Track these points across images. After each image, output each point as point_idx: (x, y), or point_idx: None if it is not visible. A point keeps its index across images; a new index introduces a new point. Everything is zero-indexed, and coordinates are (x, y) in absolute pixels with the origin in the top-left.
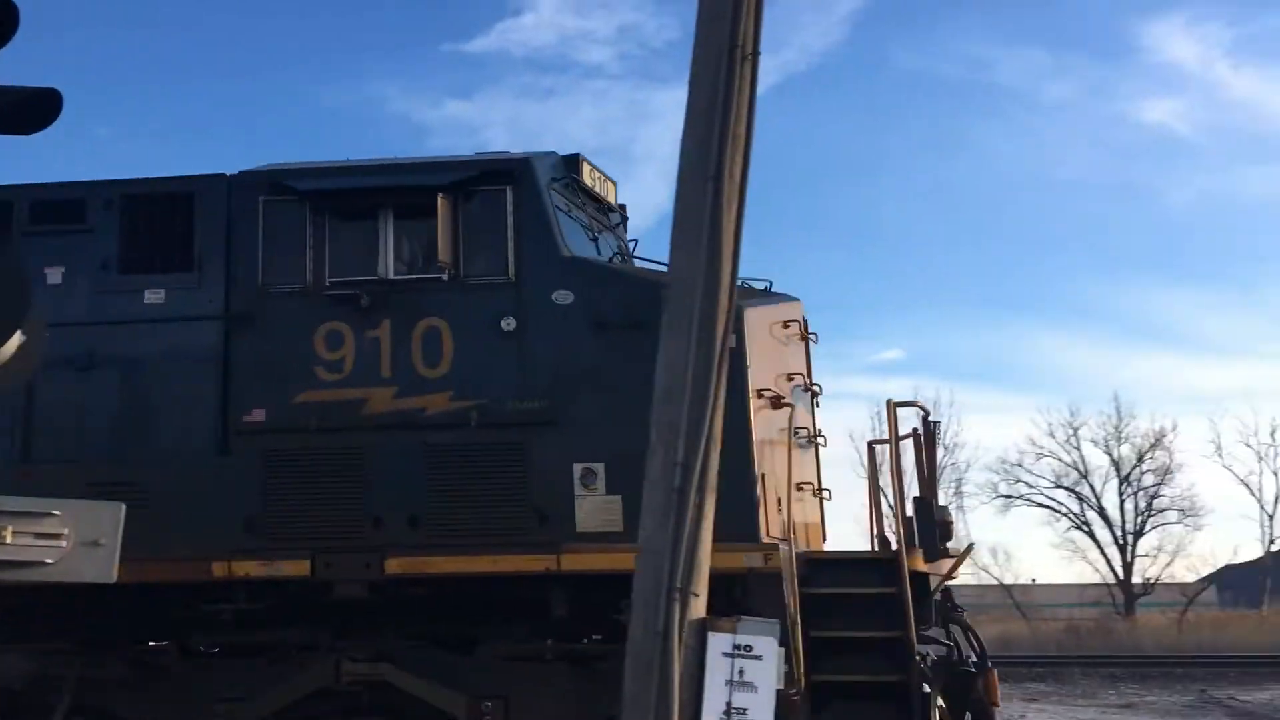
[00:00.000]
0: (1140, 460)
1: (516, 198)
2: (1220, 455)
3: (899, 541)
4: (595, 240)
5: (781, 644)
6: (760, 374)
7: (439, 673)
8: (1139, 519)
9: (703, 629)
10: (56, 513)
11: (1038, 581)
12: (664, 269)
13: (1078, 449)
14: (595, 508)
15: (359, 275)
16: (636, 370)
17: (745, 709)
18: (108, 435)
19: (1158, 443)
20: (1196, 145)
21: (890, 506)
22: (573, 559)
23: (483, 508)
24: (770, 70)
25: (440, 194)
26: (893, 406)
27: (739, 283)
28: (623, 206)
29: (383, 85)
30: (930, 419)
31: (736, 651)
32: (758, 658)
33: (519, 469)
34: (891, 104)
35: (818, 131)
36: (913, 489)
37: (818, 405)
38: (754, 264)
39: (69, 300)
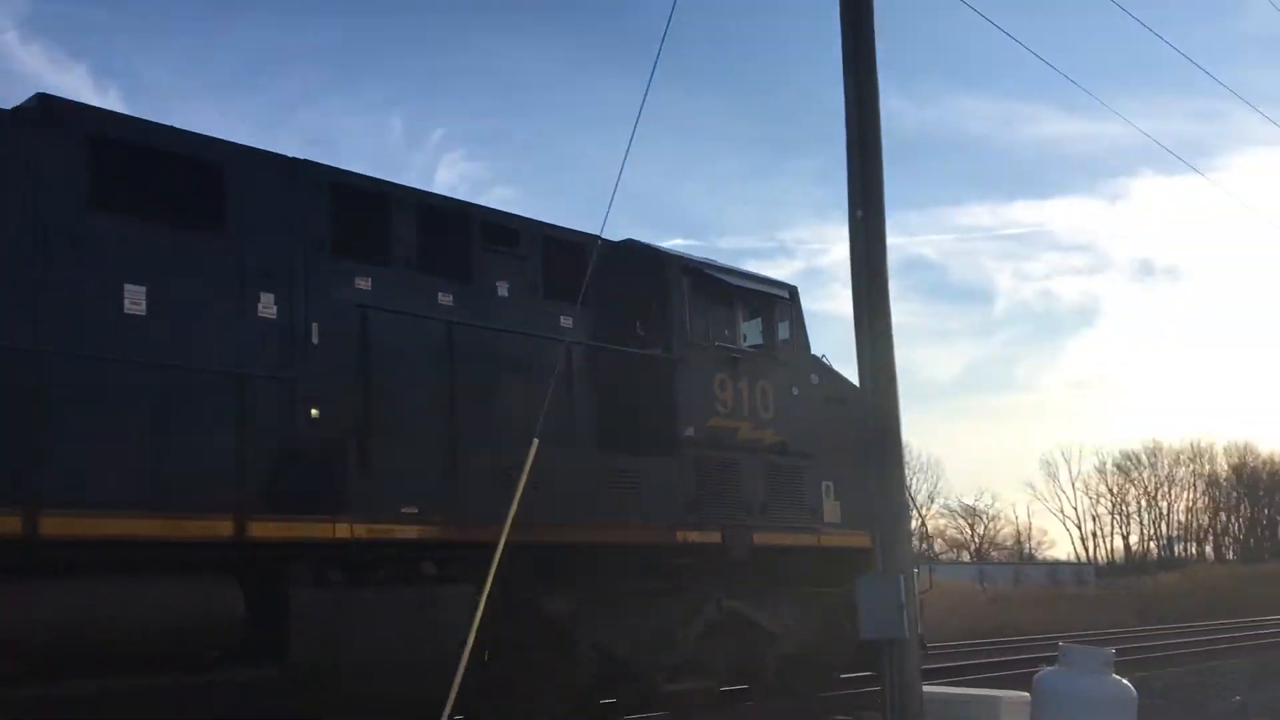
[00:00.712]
0: None
1: (796, 310)
2: None
3: None
4: None
5: None
6: None
7: (766, 609)
8: None
9: None
10: None
11: None
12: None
13: None
14: (831, 508)
15: (729, 344)
16: (844, 427)
17: None
18: (605, 431)
19: None
20: None
21: None
22: (825, 538)
23: (791, 507)
24: None
25: (775, 302)
26: None
27: None
28: None
29: None
30: None
31: None
32: None
33: (802, 484)
34: None
35: None
36: None
37: None
38: None
39: (513, 311)
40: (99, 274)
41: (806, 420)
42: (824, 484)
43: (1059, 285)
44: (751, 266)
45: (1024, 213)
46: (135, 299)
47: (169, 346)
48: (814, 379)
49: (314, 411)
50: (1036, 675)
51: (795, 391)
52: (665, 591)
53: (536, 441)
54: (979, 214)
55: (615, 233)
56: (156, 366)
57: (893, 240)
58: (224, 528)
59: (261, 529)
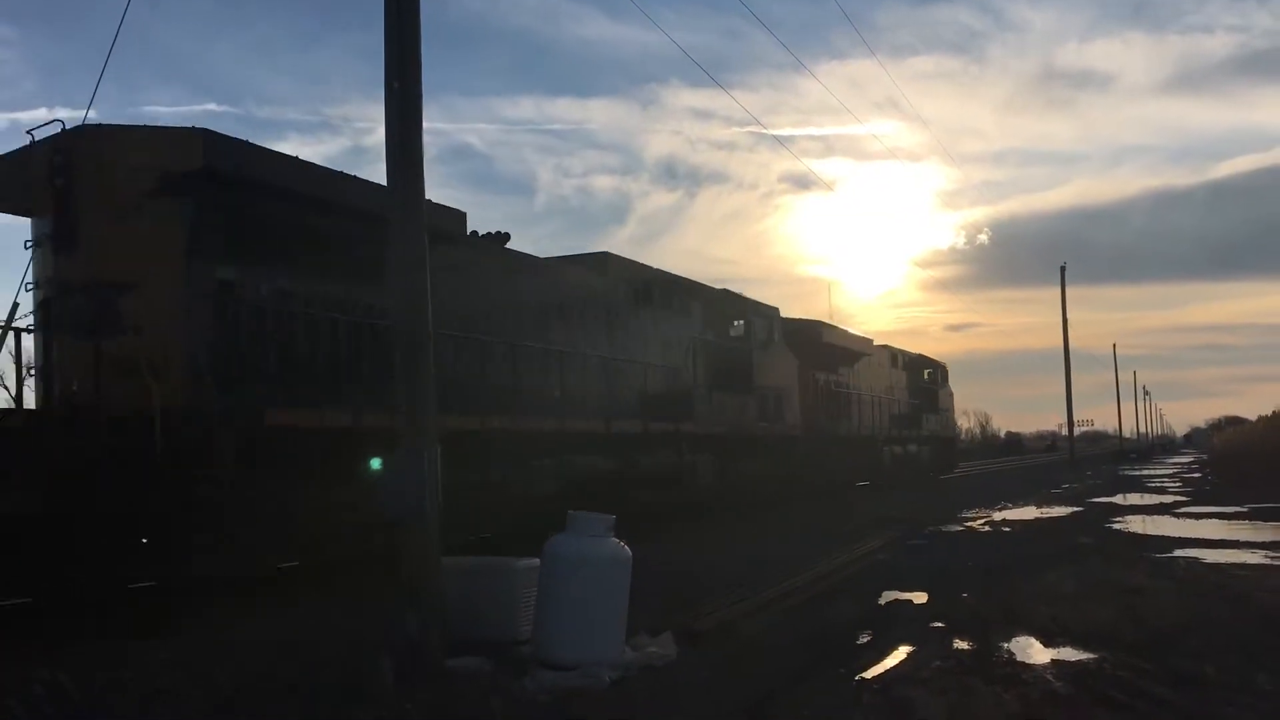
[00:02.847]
0: None
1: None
2: None
3: None
4: None
5: None
6: None
7: None
8: None
9: None
10: None
11: None
12: None
13: None
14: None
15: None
16: None
17: None
18: None
19: None
20: None
21: None
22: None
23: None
24: None
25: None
26: None
27: None
28: None
29: None
30: None
31: None
32: None
33: None
34: None
35: None
36: None
37: None
38: None
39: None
40: None
41: None
42: None
43: (596, 183)
44: (294, 140)
45: (567, 110)
46: None
47: None
48: None
49: None
50: (546, 540)
51: None
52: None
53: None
54: (525, 107)
55: None
56: None
57: (440, 125)
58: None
59: None
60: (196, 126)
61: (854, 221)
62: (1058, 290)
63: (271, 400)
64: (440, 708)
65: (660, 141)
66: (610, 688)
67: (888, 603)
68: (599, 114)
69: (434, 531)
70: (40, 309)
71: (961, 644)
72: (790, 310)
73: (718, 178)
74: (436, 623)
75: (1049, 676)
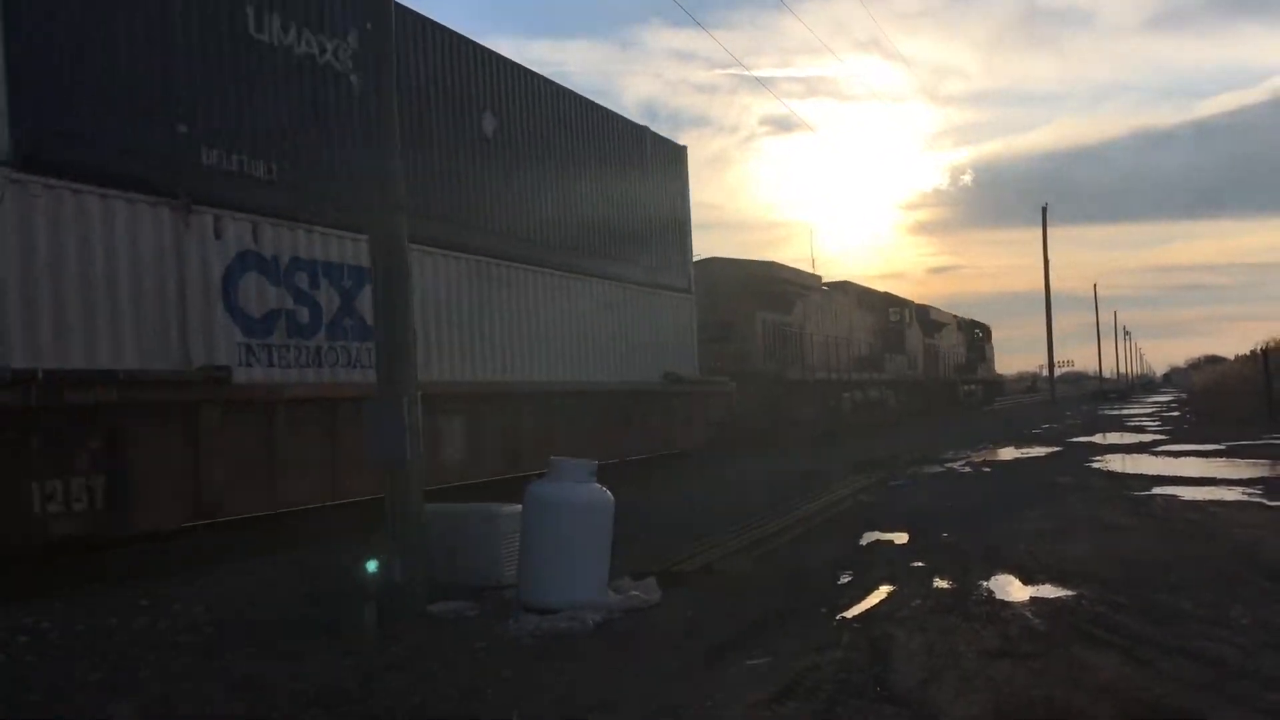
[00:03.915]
0: None
1: None
2: None
3: None
4: None
5: None
6: None
7: None
8: None
9: None
10: None
11: None
12: None
13: None
14: None
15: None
16: None
17: None
18: None
19: None
20: None
21: None
22: None
23: None
24: None
25: None
26: None
27: None
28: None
29: None
30: None
31: None
32: None
33: None
34: None
35: None
36: None
37: None
38: None
39: None
40: None
41: None
42: None
43: None
44: None
45: (545, 52)
46: None
47: None
48: None
49: None
50: (528, 485)
51: None
52: None
53: None
54: (502, 49)
55: None
56: None
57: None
58: None
59: None
60: None
61: (836, 164)
62: (1040, 231)
63: None
64: (421, 649)
65: (640, 84)
66: (593, 630)
67: (869, 543)
68: (577, 56)
69: (416, 477)
70: None
71: (941, 583)
72: (780, 254)
73: (699, 121)
74: (419, 567)
75: (1028, 613)
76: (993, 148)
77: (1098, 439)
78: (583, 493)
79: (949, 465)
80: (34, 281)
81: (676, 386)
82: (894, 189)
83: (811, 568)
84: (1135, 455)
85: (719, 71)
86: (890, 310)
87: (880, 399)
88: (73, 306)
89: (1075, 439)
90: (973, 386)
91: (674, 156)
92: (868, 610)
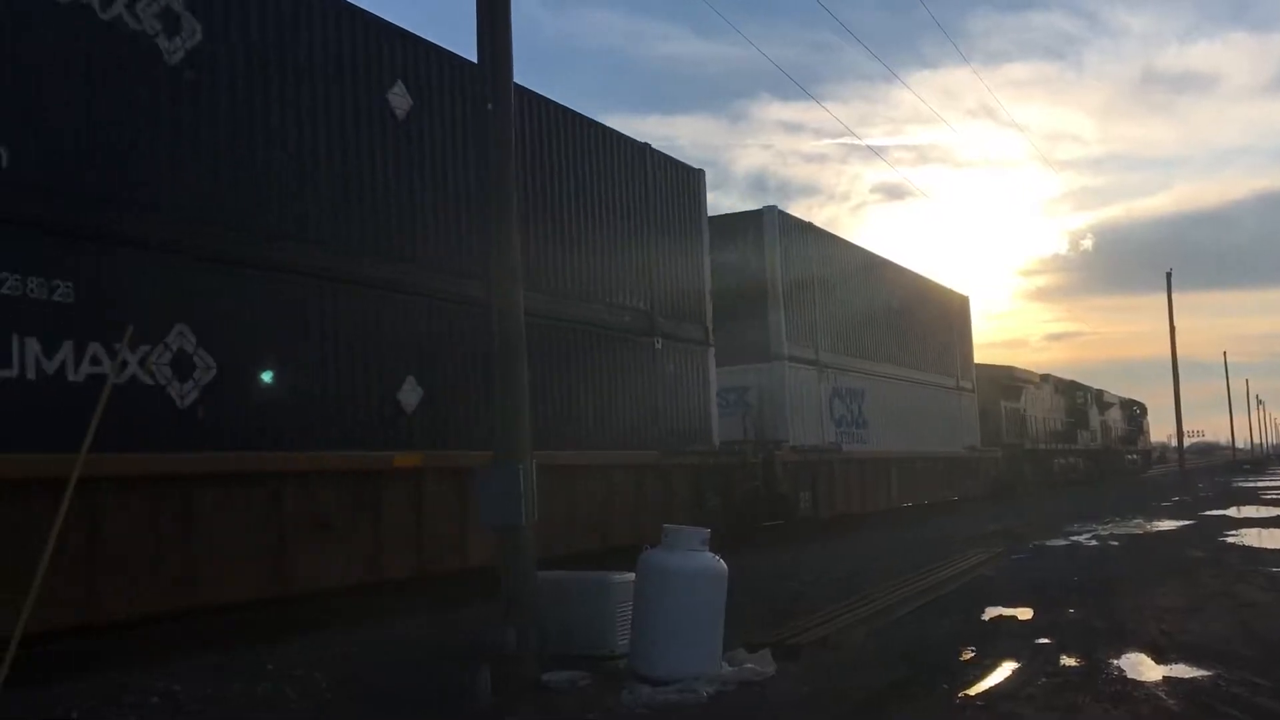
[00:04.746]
0: None
1: None
2: None
3: None
4: None
5: None
6: None
7: None
8: None
9: None
10: None
11: None
12: None
13: None
14: None
15: None
16: None
17: None
18: None
19: None
20: None
21: None
22: None
23: None
24: None
25: None
26: None
27: None
28: None
29: None
30: None
31: None
32: None
33: None
34: None
35: None
36: None
37: None
38: None
39: None
40: None
41: None
42: None
43: None
44: None
45: (654, 126)
46: None
47: None
48: None
49: None
50: (641, 554)
51: None
52: None
53: None
54: (612, 124)
55: None
56: None
57: None
58: None
59: None
60: None
61: (952, 231)
62: (1163, 296)
63: None
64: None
65: (749, 155)
66: (707, 703)
67: (991, 618)
68: (686, 129)
69: (528, 542)
70: None
71: (1069, 660)
72: None
73: (808, 190)
74: (532, 634)
75: (1160, 694)
76: (1112, 212)
77: (1232, 512)
78: (696, 562)
79: (1072, 538)
80: None
81: (974, 453)
82: (1013, 255)
83: (933, 641)
84: (1273, 530)
85: (828, 141)
86: (1077, 394)
87: (1074, 464)
88: None
89: (1207, 512)
90: (1134, 456)
91: (960, 308)
92: (992, 688)
